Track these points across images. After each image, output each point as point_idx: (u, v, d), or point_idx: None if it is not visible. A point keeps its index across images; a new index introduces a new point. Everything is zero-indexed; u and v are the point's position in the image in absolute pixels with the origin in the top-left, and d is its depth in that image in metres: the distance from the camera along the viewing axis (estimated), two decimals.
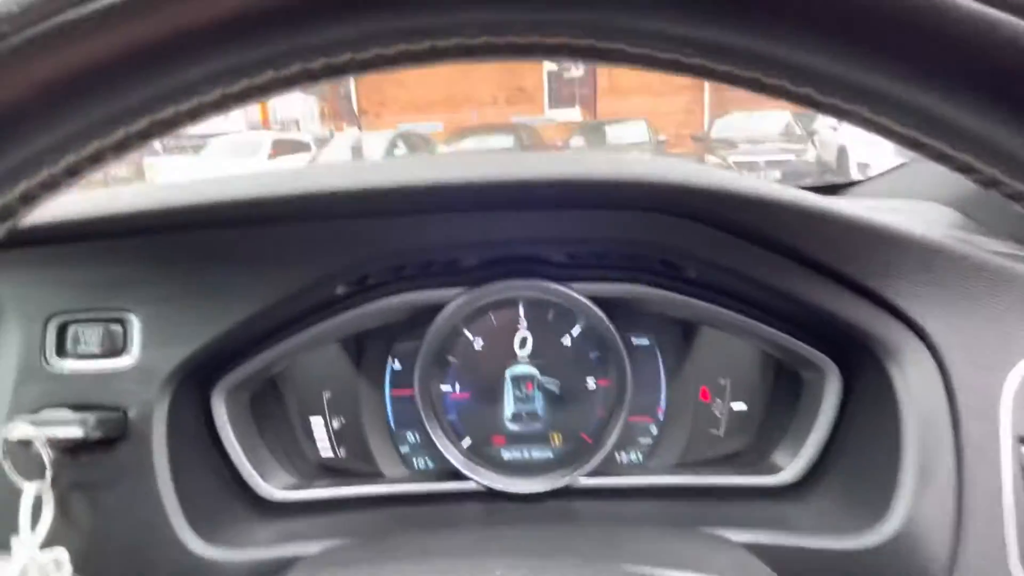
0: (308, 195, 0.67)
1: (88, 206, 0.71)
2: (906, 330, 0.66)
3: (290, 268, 0.71)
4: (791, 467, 0.75)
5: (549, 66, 14.83)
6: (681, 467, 0.86)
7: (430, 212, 0.70)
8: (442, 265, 0.76)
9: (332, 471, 0.89)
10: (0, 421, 0.71)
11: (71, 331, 0.71)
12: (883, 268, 0.64)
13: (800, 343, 0.73)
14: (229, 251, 0.72)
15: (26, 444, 0.66)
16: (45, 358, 0.71)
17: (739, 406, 0.88)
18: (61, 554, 0.62)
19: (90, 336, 0.71)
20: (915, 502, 0.64)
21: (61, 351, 0.72)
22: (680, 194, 0.62)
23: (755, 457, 0.86)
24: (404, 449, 0.90)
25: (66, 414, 0.67)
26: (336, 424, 0.90)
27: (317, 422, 0.89)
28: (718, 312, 0.75)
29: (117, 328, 0.71)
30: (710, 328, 0.85)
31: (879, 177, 1.32)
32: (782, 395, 0.83)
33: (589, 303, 0.78)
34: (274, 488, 0.79)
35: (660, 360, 0.88)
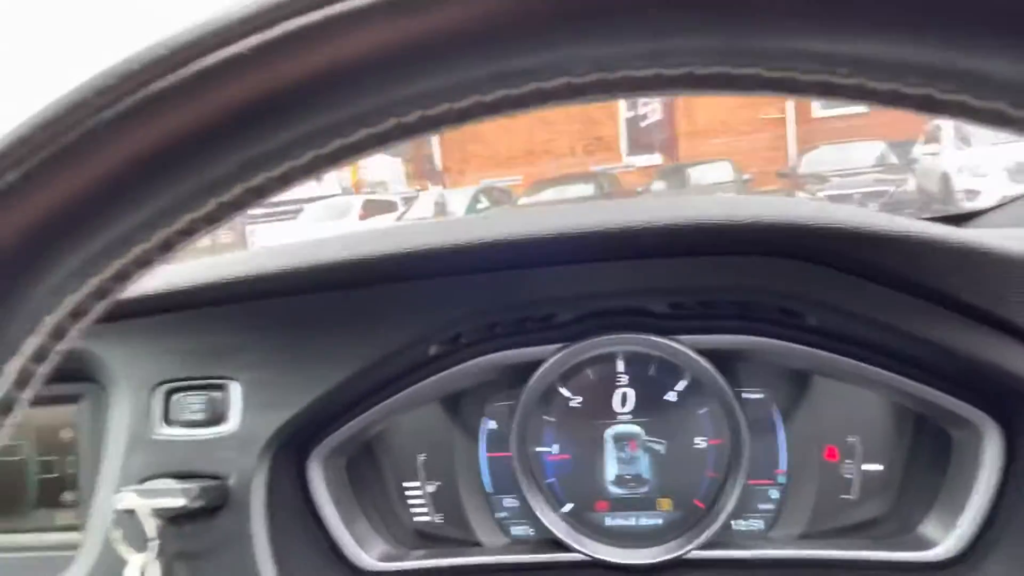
0: (398, 255, 0.66)
1: (190, 275, 0.73)
2: None
3: (383, 330, 0.70)
4: (947, 541, 0.65)
5: (626, 113, 14.90)
6: (808, 537, 0.77)
7: (523, 267, 0.67)
8: (537, 321, 0.73)
9: (428, 537, 0.85)
10: (110, 489, 0.72)
11: (175, 399, 0.73)
12: None
13: (949, 397, 0.64)
14: (323, 315, 0.71)
15: (131, 513, 0.67)
16: (152, 426, 0.72)
17: (873, 467, 0.78)
18: None
19: (194, 404, 0.72)
20: None
21: (167, 419, 0.73)
22: (802, 235, 0.56)
23: (896, 526, 0.75)
24: (501, 515, 0.86)
25: (170, 484, 0.67)
26: (431, 488, 0.86)
27: (412, 486, 0.86)
28: (847, 363, 0.67)
29: (219, 395, 0.72)
30: (834, 382, 0.77)
31: (1010, 204, 1.19)
32: (925, 454, 0.73)
33: (697, 357, 0.72)
34: (371, 558, 0.77)
35: (777, 415, 0.80)
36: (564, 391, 0.82)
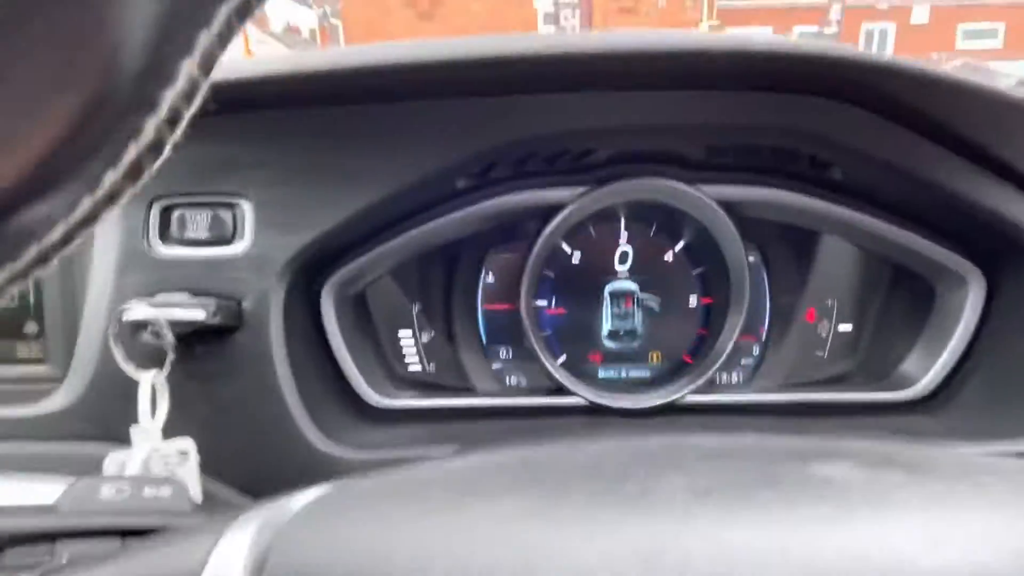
0: (441, 62, 0.61)
1: None
2: None
3: (413, 154, 0.66)
4: (925, 379, 0.73)
5: (543, 26, 14.54)
6: (788, 387, 0.84)
7: (568, 90, 0.65)
8: (571, 159, 0.72)
9: (422, 385, 0.85)
10: (101, 309, 0.66)
11: (176, 215, 0.66)
12: None
13: (946, 251, 0.70)
14: (351, 132, 0.66)
15: (136, 330, 0.61)
16: (148, 243, 0.66)
17: (845, 327, 0.85)
18: (187, 444, 0.58)
19: (198, 221, 0.66)
20: None
21: (165, 236, 0.66)
22: (846, 70, 0.57)
23: (861, 380, 0.84)
24: (496, 365, 0.87)
25: (185, 297, 0.62)
26: (426, 338, 0.86)
27: (406, 335, 0.85)
28: (860, 219, 0.71)
29: (227, 213, 0.66)
30: (823, 245, 0.82)
31: None
32: (898, 312, 0.81)
33: (719, 209, 0.73)
34: (376, 394, 0.76)
35: (767, 278, 0.85)
36: (565, 247, 0.83)
